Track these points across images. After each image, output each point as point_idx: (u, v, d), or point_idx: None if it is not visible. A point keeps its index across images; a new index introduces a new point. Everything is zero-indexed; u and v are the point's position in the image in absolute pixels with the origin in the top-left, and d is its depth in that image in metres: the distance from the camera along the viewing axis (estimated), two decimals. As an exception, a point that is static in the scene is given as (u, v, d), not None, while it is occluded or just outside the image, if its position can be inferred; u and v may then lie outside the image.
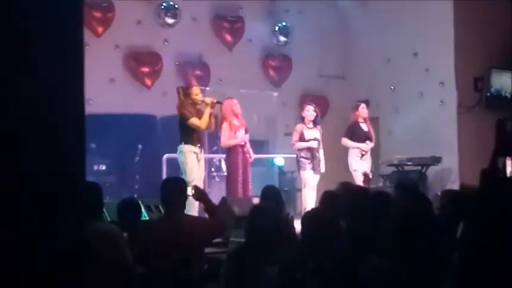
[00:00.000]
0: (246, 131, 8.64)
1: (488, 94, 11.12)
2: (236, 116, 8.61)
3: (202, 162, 8.05)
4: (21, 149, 1.78)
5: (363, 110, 9.67)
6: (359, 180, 9.15)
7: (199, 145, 7.96)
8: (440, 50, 11.13)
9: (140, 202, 6.15)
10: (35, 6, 1.82)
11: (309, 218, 3.95)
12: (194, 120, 7.91)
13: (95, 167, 9.89)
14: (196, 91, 8.22)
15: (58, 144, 1.85)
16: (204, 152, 8.50)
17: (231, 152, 8.53)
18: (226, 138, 8.51)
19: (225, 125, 8.51)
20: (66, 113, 1.86)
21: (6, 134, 1.76)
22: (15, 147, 1.77)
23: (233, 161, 8.48)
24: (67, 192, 1.86)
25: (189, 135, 7.91)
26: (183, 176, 7.37)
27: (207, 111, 7.96)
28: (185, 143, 7.87)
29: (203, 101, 8.05)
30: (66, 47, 1.88)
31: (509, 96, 11.12)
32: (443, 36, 11.07)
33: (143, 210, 6.18)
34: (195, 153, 7.86)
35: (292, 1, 12.23)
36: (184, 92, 8.20)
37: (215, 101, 8.13)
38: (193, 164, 7.80)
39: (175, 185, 4.77)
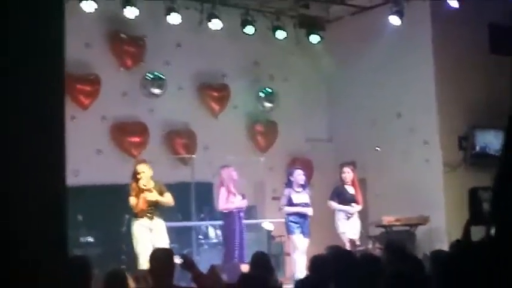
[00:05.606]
0: (243, 197, 8.84)
1: (473, 152, 11.22)
2: (234, 182, 8.81)
3: (159, 231, 8.06)
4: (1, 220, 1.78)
5: (347, 175, 9.73)
6: (347, 243, 9.12)
7: (149, 215, 8.02)
8: (424, 110, 11.28)
9: (127, 273, 6.07)
10: (17, 78, 1.85)
11: (300, 284, 3.94)
12: (130, 199, 8.07)
13: (82, 239, 9.79)
14: (139, 169, 8.14)
15: (39, 218, 1.85)
16: (191, 220, 8.48)
17: (228, 217, 8.68)
18: (224, 203, 8.68)
19: (222, 190, 8.69)
20: (46, 186, 1.87)
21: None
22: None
23: (230, 226, 8.64)
24: (49, 268, 1.85)
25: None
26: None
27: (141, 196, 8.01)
28: (134, 217, 8.12)
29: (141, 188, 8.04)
30: (47, 120, 1.90)
31: (493, 153, 11.20)
32: (426, 96, 11.25)
33: (130, 281, 6.08)
34: (143, 225, 8.01)
35: (276, 68, 12.43)
36: (134, 166, 8.28)
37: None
38: (141, 237, 7.96)
39: (163, 255, 4.75)
